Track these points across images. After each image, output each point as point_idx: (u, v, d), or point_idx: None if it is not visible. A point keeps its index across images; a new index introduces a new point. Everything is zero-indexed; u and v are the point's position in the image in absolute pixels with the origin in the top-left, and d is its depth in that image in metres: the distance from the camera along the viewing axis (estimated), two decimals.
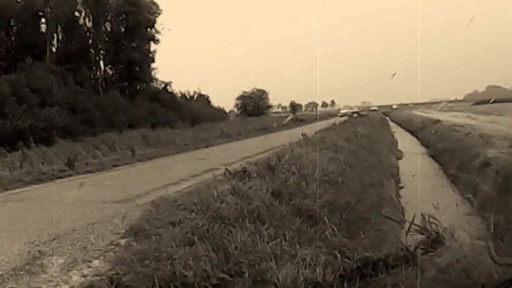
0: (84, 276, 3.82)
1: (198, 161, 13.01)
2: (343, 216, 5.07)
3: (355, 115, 40.67)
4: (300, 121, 41.20)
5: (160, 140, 19.53)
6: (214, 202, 5.06)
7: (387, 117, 43.91)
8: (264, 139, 17.80)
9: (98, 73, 25.90)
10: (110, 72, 26.71)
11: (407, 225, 3.56)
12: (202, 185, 6.69)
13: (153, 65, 28.51)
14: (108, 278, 3.37)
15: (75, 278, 3.80)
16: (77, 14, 24.61)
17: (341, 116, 37.76)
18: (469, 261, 2.73)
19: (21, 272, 4.02)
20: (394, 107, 66.57)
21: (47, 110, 17.42)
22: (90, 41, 25.28)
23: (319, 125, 23.09)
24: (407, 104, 63.57)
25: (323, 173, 7.19)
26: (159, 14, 28.01)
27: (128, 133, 19.79)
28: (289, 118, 42.92)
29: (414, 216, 3.42)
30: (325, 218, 4.60)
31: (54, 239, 5.04)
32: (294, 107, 64.12)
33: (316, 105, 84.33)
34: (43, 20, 23.08)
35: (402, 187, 9.60)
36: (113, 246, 4.62)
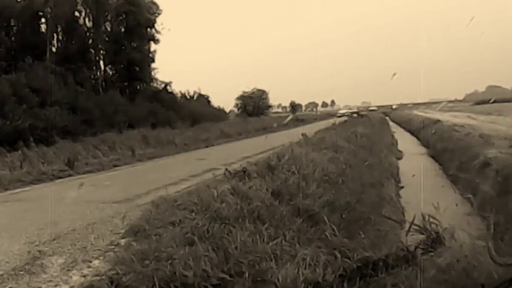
0: (84, 276, 3.82)
1: (198, 161, 13.01)
2: (343, 216, 5.08)
3: (354, 115, 40.65)
4: (300, 121, 41.18)
5: (160, 140, 19.52)
6: (214, 202, 5.06)
7: (387, 117, 43.91)
8: (264, 139, 17.78)
9: (98, 73, 25.90)
10: (110, 72, 26.71)
11: (407, 225, 3.57)
12: (202, 185, 6.69)
13: (153, 65, 28.56)
14: (108, 278, 3.37)
15: (75, 278, 3.80)
16: (77, 14, 24.62)
17: (339, 117, 37.62)
18: (469, 261, 2.73)
19: (21, 272, 4.01)
20: (394, 107, 66.51)
21: (47, 110, 17.42)
22: (90, 41, 25.27)
23: (319, 125, 23.11)
24: (406, 104, 63.59)
25: (323, 173, 7.18)
26: (159, 14, 28.05)
27: (127, 133, 19.79)
28: (289, 118, 42.88)
29: (414, 217, 3.42)
30: (325, 218, 4.60)
31: (54, 239, 5.04)
32: (294, 107, 64.09)
33: (316, 105, 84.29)
34: (43, 20, 23.09)
35: (402, 187, 9.61)
36: (113, 246, 4.61)
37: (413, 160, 14.33)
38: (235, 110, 48.39)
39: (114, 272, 3.50)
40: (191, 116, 27.59)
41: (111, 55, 25.73)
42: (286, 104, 67.22)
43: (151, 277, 3.20)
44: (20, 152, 13.44)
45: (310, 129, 18.19)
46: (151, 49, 28.11)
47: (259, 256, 3.55)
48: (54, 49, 23.25)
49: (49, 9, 22.55)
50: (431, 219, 3.37)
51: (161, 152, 16.61)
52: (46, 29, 23.00)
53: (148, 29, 27.64)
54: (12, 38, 22.34)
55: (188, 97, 34.13)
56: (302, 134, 13.20)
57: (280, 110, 66.72)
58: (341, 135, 14.51)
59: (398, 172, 11.48)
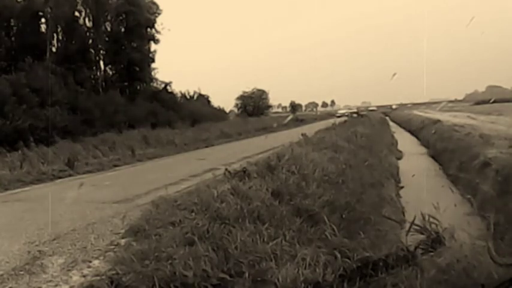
0: (84, 276, 3.82)
1: (198, 161, 13.01)
2: (343, 216, 5.08)
3: (354, 115, 40.66)
4: (300, 121, 41.22)
5: (160, 140, 19.51)
6: (214, 202, 5.06)
7: (387, 117, 43.92)
8: (264, 139, 17.79)
9: (98, 73, 25.91)
10: (110, 72, 26.72)
11: (407, 225, 3.57)
12: (202, 185, 6.68)
13: (153, 65, 28.59)
14: (108, 278, 3.37)
15: (75, 278, 3.80)
16: (77, 14, 24.63)
17: (338, 117, 37.57)
18: (469, 261, 2.74)
19: (21, 272, 4.01)
20: (394, 107, 66.57)
21: (47, 110, 17.42)
22: (90, 41, 25.28)
23: (319, 125, 23.11)
24: (406, 104, 63.64)
25: (323, 173, 7.18)
26: (159, 14, 28.07)
27: (127, 133, 19.78)
28: (289, 118, 42.93)
29: (414, 217, 3.42)
30: (325, 218, 4.60)
31: (54, 239, 5.04)
32: (294, 107, 64.18)
33: (316, 105, 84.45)
34: (43, 20, 23.10)
35: (402, 187, 9.61)
36: (113, 246, 4.61)
37: (413, 160, 14.34)
38: (235, 110, 48.47)
39: (114, 272, 3.50)
40: (191, 116, 27.60)
41: (111, 55, 25.74)
42: (286, 104, 67.38)
43: (151, 277, 3.20)
44: (20, 152, 13.43)
45: (310, 129, 18.20)
46: (152, 49, 28.20)
47: (259, 256, 3.54)
48: (54, 49, 23.27)
49: (49, 9, 22.57)
50: (431, 219, 3.37)
51: (161, 152, 16.60)
52: (46, 29, 23.01)
53: (148, 29, 27.65)
54: (12, 38, 22.36)
55: (188, 97, 34.16)
56: (302, 134, 13.21)
57: (280, 110, 66.85)
58: (341, 135, 14.51)
59: (398, 172, 11.48)
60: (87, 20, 25.06)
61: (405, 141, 21.15)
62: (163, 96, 28.12)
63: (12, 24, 22.52)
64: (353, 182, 7.34)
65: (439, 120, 21.48)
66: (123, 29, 26.51)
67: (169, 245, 3.87)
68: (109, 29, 26.35)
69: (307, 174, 6.77)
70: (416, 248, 3.06)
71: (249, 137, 24.71)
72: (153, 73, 28.83)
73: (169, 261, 3.42)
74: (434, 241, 3.10)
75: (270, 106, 52.33)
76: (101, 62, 26.14)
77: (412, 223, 3.39)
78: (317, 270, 3.17)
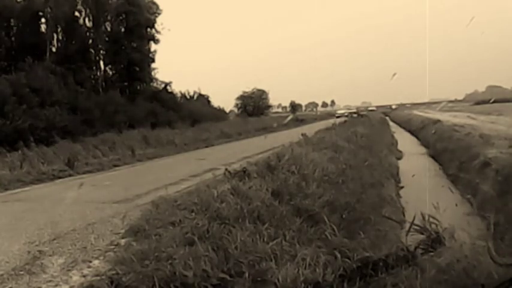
0: (84, 276, 3.81)
1: (198, 161, 13.01)
2: (343, 216, 5.08)
3: (354, 115, 40.65)
4: (300, 121, 41.23)
5: (160, 140, 19.52)
6: (214, 202, 5.06)
7: (387, 117, 43.92)
8: (264, 139, 17.79)
9: (98, 73, 25.92)
10: (110, 72, 26.73)
11: (407, 225, 3.57)
12: (202, 185, 6.67)
13: (153, 65, 28.59)
14: (108, 278, 3.37)
15: (75, 278, 3.80)
16: (77, 14, 24.64)
17: (337, 117, 37.49)
18: (469, 261, 2.74)
19: (21, 272, 4.01)
20: (394, 107, 66.60)
21: (47, 110, 17.43)
22: (90, 41, 25.29)
23: (319, 125, 23.12)
24: (405, 104, 63.66)
25: (323, 173, 7.18)
26: (159, 14, 28.07)
27: (127, 133, 19.77)
28: (289, 118, 42.95)
29: (414, 217, 3.42)
30: (325, 218, 4.60)
31: (54, 239, 5.04)
32: (294, 107, 64.23)
33: (316, 105, 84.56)
34: (43, 20, 23.12)
35: (402, 187, 9.61)
36: (113, 246, 4.61)
37: (413, 160, 14.34)
38: (235, 110, 48.50)
39: (114, 272, 3.50)
40: (191, 116, 27.61)
41: (111, 55, 25.74)
42: (286, 104, 67.47)
43: (151, 277, 3.20)
44: (20, 152, 13.44)
45: (310, 129, 18.21)
46: (152, 49, 28.21)
47: (259, 256, 3.54)
48: (54, 49, 23.29)
49: (49, 9, 22.58)
50: (431, 219, 3.37)
51: (161, 152, 16.60)
52: (46, 29, 23.03)
53: (148, 29, 27.66)
54: (12, 38, 22.38)
55: (188, 97, 34.18)
56: (302, 134, 13.21)
57: (280, 110, 66.92)
58: (341, 135, 14.51)
59: (398, 172, 11.48)
60: (87, 20, 25.10)
61: (405, 141, 21.15)
62: (163, 96, 28.12)
63: (12, 24, 22.54)
64: (353, 182, 7.34)
65: (439, 120, 21.48)
66: (123, 29, 26.52)
67: (169, 245, 3.87)
68: (109, 29, 26.36)
69: (307, 174, 6.77)
70: (416, 248, 3.06)
71: (249, 137, 24.71)
72: (153, 73, 28.88)
73: (169, 261, 3.42)
74: (434, 241, 3.10)
75: (270, 106, 52.41)
76: (101, 62, 26.19)
77: (412, 223, 3.39)
78: (317, 270, 3.17)
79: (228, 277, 3.27)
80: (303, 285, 2.98)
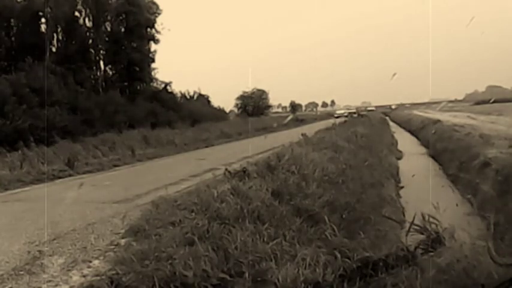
0: (84, 276, 3.82)
1: (198, 161, 13.01)
2: (343, 216, 5.08)
3: (354, 115, 40.63)
4: (300, 121, 41.25)
5: (160, 140, 19.52)
6: (214, 202, 5.06)
7: (387, 117, 43.92)
8: (264, 139, 17.79)
9: (98, 73, 25.93)
10: (110, 72, 26.74)
11: (407, 225, 3.57)
12: (202, 185, 6.67)
13: (153, 65, 28.60)
14: (108, 278, 3.37)
15: (75, 278, 3.80)
16: (77, 14, 24.65)
17: (337, 117, 37.40)
18: (469, 261, 2.73)
19: (21, 272, 4.01)
20: (394, 107, 66.60)
21: (47, 110, 17.40)
22: (90, 41, 25.30)
23: (319, 125, 23.12)
24: (404, 104, 63.67)
25: (323, 173, 7.18)
26: (159, 14, 28.08)
27: (128, 133, 19.78)
28: (289, 118, 42.97)
29: (414, 217, 3.42)
30: (325, 218, 4.60)
31: (54, 239, 5.04)
32: (294, 107, 64.22)
33: (316, 105, 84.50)
34: (43, 20, 23.09)
35: (402, 187, 9.61)
36: (113, 246, 4.61)
37: (413, 160, 14.34)
38: (235, 110, 48.47)
39: (114, 272, 3.50)
40: (191, 116, 27.61)
41: (111, 55, 25.75)
42: (286, 104, 67.39)
43: (151, 277, 3.20)
44: (20, 152, 13.44)
45: (310, 129, 18.21)
46: (152, 49, 28.23)
47: (259, 256, 3.54)
48: (54, 49, 23.28)
49: (49, 9, 22.56)
50: (431, 219, 3.37)
51: (161, 152, 16.61)
52: (46, 29, 23.01)
53: (148, 29, 27.66)
54: (12, 38, 22.38)
55: (188, 97, 34.18)
56: (302, 134, 13.21)
57: (280, 110, 66.85)
58: (341, 135, 14.51)
59: (398, 172, 11.49)
60: (87, 20, 25.12)
61: (405, 141, 21.15)
62: (163, 96, 28.12)
63: (12, 24, 22.54)
64: (353, 182, 7.34)
65: (439, 120, 21.48)
66: (123, 29, 26.52)
67: (169, 245, 3.87)
68: (109, 29, 26.37)
69: (307, 174, 6.77)
70: (416, 248, 3.06)
71: (249, 137, 24.68)
72: (153, 73, 28.89)
73: (169, 261, 3.42)
74: (434, 241, 3.10)
75: (270, 106, 52.37)
76: (101, 62, 26.20)
77: (412, 223, 3.39)
78: (317, 270, 3.17)
79: (228, 277, 3.27)
80: (303, 285, 2.98)
